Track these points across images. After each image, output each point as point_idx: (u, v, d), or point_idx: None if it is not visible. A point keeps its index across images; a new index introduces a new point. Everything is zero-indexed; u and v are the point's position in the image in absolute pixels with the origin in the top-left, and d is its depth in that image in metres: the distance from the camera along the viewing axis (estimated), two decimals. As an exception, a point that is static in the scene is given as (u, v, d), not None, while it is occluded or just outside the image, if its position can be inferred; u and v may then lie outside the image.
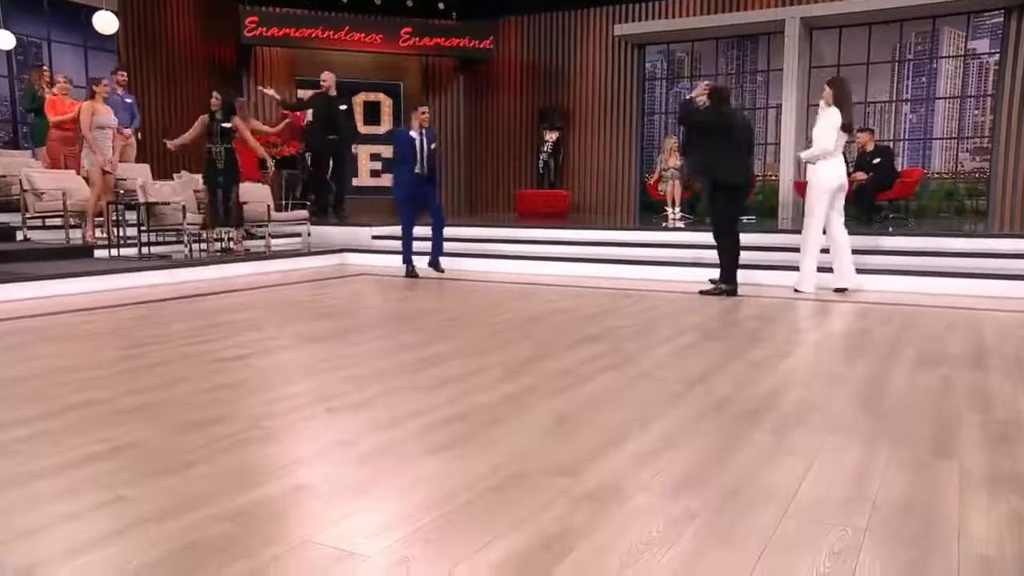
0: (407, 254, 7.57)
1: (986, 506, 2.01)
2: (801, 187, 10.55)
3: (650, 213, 12.18)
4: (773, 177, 12.40)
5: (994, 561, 1.71)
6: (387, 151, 14.16)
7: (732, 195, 6.13)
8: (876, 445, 2.49)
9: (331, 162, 10.16)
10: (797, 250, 6.44)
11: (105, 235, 7.69)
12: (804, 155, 6.24)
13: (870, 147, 9.26)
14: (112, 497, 2.05)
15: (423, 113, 7.33)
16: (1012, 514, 1.96)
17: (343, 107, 9.90)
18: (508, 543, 1.78)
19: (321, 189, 10.20)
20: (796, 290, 6.26)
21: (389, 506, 2.02)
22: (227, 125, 7.65)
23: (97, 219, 7.80)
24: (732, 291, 6.13)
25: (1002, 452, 2.44)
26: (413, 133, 7.30)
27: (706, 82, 6.83)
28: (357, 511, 1.99)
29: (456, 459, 2.37)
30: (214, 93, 7.68)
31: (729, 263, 6.17)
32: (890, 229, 8.14)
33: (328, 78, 9.83)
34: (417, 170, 7.30)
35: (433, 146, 7.34)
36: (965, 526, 1.88)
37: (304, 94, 11.47)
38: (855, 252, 6.36)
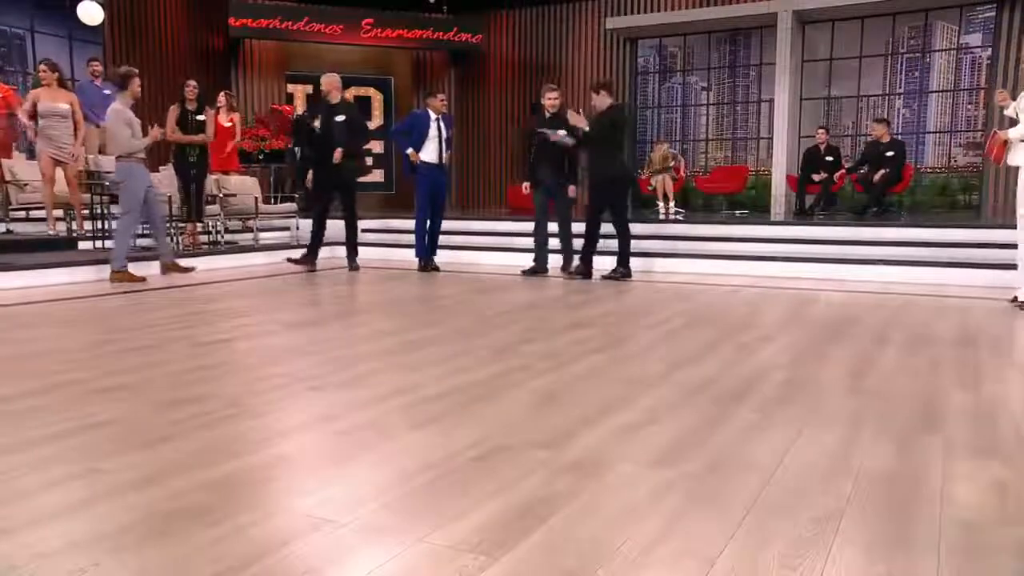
0: (420, 246, 7.27)
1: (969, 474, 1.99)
2: (794, 180, 10.54)
3: (643, 209, 12.14)
4: (766, 172, 12.39)
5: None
6: (378, 147, 14.11)
7: (628, 188, 7.21)
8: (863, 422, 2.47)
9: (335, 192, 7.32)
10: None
11: (79, 228, 7.52)
12: (1015, 133, 4.86)
13: (885, 140, 9.15)
14: (86, 469, 2.00)
15: (441, 100, 7.12)
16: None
17: (340, 118, 7.03)
18: (487, 510, 1.75)
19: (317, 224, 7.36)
20: (1017, 299, 4.93)
21: (368, 476, 1.98)
22: (202, 118, 7.53)
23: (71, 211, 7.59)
24: (628, 273, 6.62)
25: (985, 426, 2.42)
26: (432, 113, 7.01)
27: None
28: (336, 481, 1.95)
29: (438, 433, 2.33)
30: (190, 83, 7.55)
31: (628, 249, 6.68)
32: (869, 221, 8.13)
33: (327, 83, 7.13)
34: (436, 160, 7.01)
35: (450, 132, 7.13)
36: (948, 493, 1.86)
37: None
38: (852, 243, 6.21)
